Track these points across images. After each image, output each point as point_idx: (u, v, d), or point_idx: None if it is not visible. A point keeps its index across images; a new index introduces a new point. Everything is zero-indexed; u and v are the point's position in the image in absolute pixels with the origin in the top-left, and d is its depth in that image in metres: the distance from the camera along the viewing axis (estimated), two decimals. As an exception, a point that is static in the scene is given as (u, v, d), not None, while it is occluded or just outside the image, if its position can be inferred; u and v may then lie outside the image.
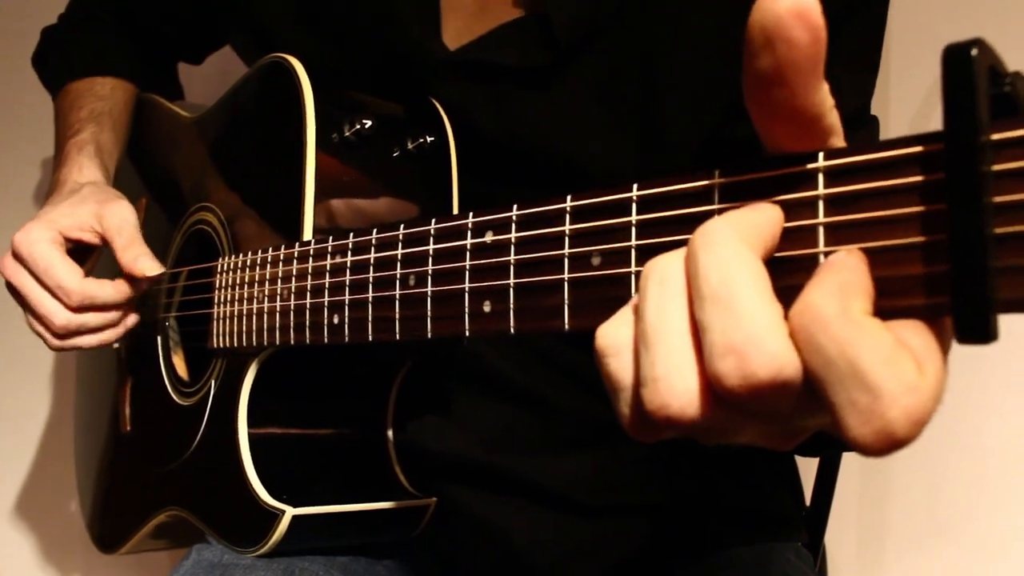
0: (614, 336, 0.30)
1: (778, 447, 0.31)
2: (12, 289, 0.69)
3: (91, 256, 0.72)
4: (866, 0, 0.59)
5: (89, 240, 0.70)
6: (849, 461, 0.84)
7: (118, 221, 0.69)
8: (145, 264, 0.68)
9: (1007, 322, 0.25)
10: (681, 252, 0.30)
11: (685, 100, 0.60)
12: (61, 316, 0.67)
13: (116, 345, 0.79)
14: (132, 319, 0.72)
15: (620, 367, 0.30)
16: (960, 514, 0.98)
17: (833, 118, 0.29)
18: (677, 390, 0.28)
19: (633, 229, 0.33)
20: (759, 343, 0.26)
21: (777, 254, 0.29)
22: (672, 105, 0.61)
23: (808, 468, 0.83)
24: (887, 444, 0.25)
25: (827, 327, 0.25)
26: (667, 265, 0.29)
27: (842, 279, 0.26)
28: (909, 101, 0.97)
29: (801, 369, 0.26)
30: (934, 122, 0.26)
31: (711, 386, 0.27)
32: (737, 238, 0.28)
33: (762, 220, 0.29)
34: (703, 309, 0.27)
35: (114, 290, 0.69)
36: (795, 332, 0.26)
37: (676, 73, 0.60)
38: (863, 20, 0.60)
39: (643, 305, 0.29)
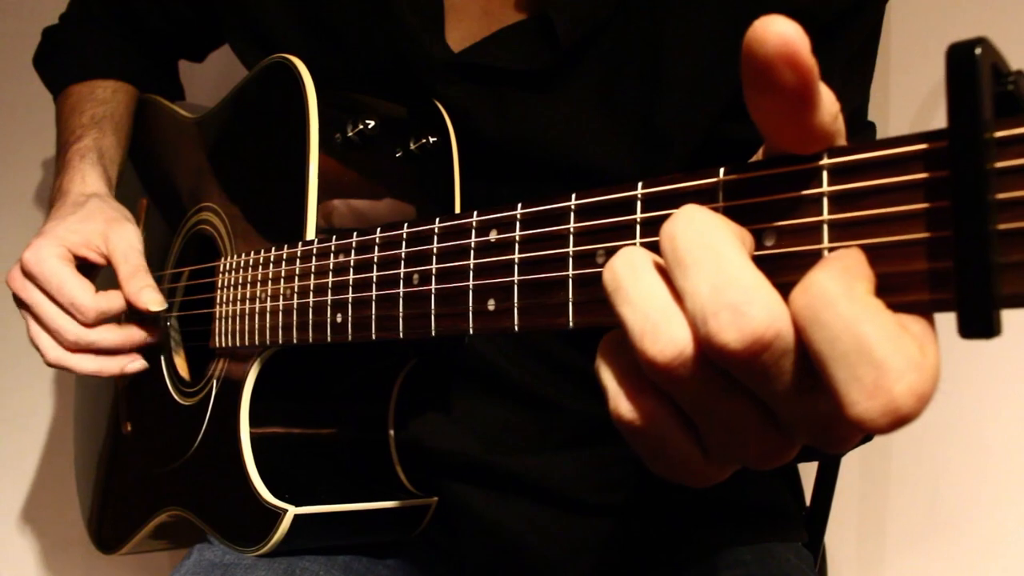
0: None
1: (771, 460, 0.31)
2: (21, 303, 0.69)
3: (93, 273, 0.72)
4: (862, 4, 0.59)
5: (94, 260, 0.70)
6: (849, 461, 0.85)
7: (125, 247, 0.69)
8: (149, 297, 0.68)
9: (1006, 322, 0.25)
10: (625, 257, 0.30)
11: (685, 101, 0.61)
12: (73, 331, 0.67)
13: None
14: (137, 364, 0.71)
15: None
16: (960, 513, 0.99)
17: (838, 125, 0.29)
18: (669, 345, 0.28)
19: (638, 227, 0.34)
20: (752, 296, 0.26)
21: (781, 250, 0.29)
22: (672, 106, 0.61)
23: (808, 468, 0.84)
24: (892, 419, 0.25)
25: (833, 304, 0.25)
26: (625, 262, 0.30)
27: (845, 264, 0.26)
28: (909, 101, 0.98)
29: (792, 325, 0.26)
30: (935, 123, 0.26)
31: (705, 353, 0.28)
32: (711, 213, 0.28)
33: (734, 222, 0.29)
34: (687, 277, 0.27)
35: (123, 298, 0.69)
36: (799, 310, 0.26)
37: (676, 74, 0.60)
38: (860, 23, 0.60)
39: (622, 297, 0.30)
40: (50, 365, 0.70)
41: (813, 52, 0.26)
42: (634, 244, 0.34)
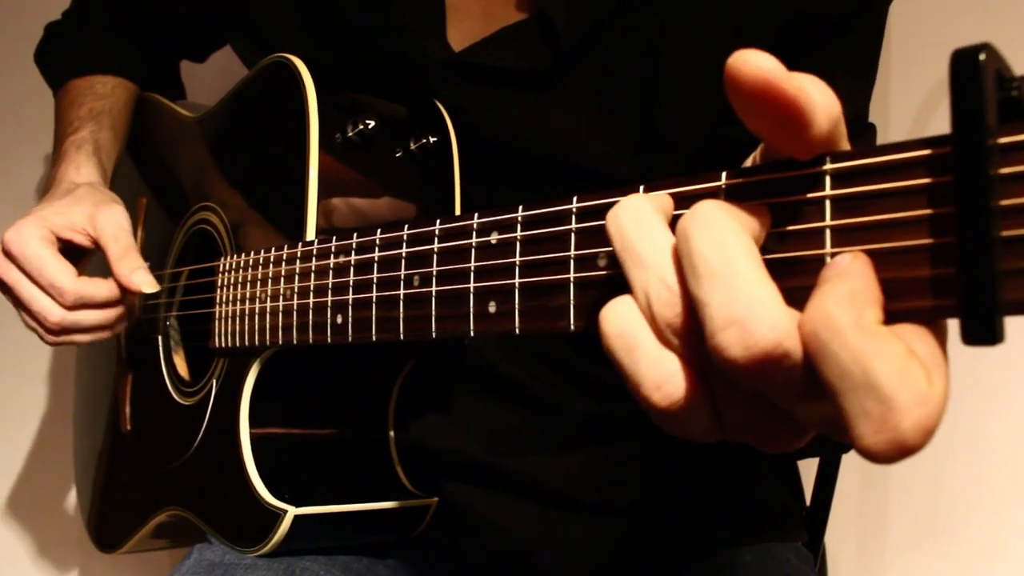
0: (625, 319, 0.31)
1: (782, 446, 0.31)
2: (3, 287, 0.69)
3: (84, 258, 0.72)
4: (866, 6, 0.59)
5: (80, 242, 0.69)
6: (849, 461, 0.85)
7: (114, 228, 0.68)
8: (141, 279, 0.67)
9: (1007, 323, 0.25)
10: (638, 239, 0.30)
11: (686, 102, 0.60)
12: (55, 314, 0.67)
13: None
14: (131, 317, 0.72)
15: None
16: (960, 514, 0.99)
17: (839, 130, 0.29)
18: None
19: (640, 230, 0.33)
20: (760, 314, 0.26)
21: (784, 255, 0.29)
22: (672, 107, 0.61)
23: (808, 468, 0.83)
24: (898, 453, 0.25)
25: (842, 337, 0.25)
26: (631, 220, 0.31)
27: (854, 287, 0.26)
28: (909, 102, 0.97)
29: (800, 343, 0.26)
30: (934, 123, 0.26)
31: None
32: (729, 217, 0.28)
33: (750, 209, 0.30)
34: (700, 287, 0.27)
35: (109, 288, 0.68)
36: (806, 336, 0.26)
37: (676, 75, 0.60)
38: (863, 25, 0.60)
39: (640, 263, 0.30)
40: (50, 344, 0.70)
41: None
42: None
